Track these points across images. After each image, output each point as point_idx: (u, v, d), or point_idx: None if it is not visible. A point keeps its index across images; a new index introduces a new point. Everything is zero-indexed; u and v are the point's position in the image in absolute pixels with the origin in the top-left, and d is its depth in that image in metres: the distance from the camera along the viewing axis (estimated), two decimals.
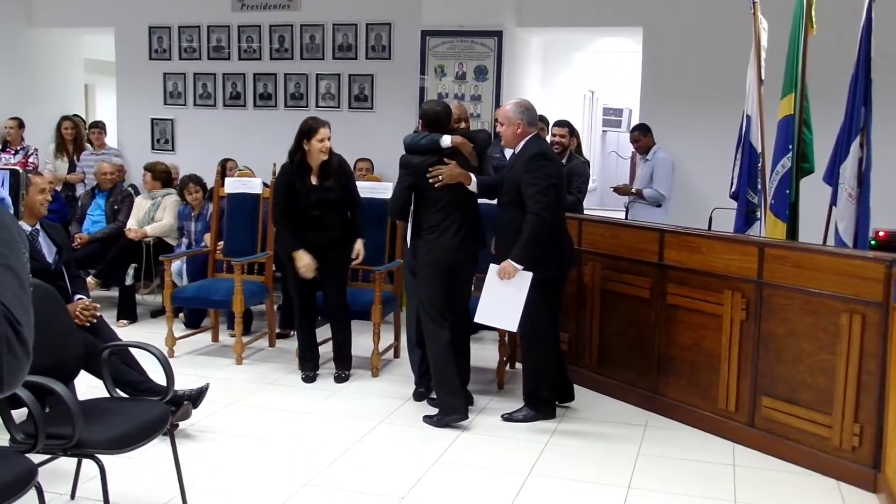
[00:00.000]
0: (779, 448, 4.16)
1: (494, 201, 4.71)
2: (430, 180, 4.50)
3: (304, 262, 5.06)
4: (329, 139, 5.05)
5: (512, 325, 4.48)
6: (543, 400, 4.65)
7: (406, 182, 4.62)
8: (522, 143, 4.52)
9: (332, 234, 5.15)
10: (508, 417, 4.64)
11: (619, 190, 6.99)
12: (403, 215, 4.77)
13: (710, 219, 5.40)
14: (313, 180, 5.10)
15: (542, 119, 6.91)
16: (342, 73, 7.91)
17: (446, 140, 4.57)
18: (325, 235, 5.12)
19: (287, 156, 5.17)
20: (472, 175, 4.57)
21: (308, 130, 5.05)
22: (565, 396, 4.88)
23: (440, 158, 4.55)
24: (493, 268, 4.46)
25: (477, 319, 4.58)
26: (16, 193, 1.07)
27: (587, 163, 6.89)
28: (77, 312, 4.09)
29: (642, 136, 6.70)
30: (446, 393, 4.57)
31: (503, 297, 4.40)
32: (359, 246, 5.27)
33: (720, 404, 4.45)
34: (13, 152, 7.77)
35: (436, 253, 4.58)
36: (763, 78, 5.13)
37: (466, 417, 4.55)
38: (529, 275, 4.34)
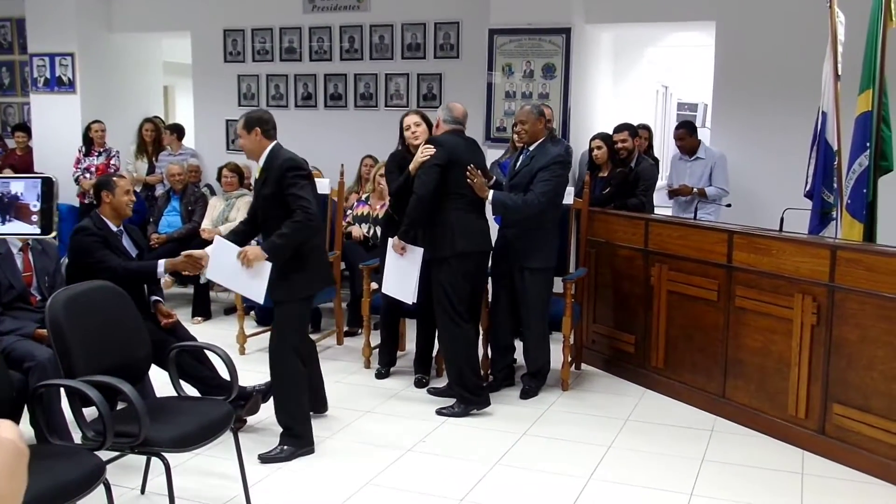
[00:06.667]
0: (850, 457, 4.03)
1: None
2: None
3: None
4: (416, 125, 5.07)
5: (408, 297, 4.72)
6: (471, 390, 4.66)
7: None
8: None
9: None
10: (448, 413, 4.65)
11: (679, 192, 6.59)
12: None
13: (782, 220, 5.25)
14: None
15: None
16: (411, 72, 7.95)
17: None
18: None
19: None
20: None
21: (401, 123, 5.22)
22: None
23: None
24: (390, 241, 4.71)
25: (384, 290, 4.81)
26: (49, 202, 1.06)
27: (656, 164, 6.74)
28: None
29: (688, 136, 6.47)
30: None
31: (401, 271, 4.69)
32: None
33: (789, 410, 4.34)
34: (96, 154, 8.03)
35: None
36: (840, 73, 4.96)
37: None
38: (420, 251, 4.61)
